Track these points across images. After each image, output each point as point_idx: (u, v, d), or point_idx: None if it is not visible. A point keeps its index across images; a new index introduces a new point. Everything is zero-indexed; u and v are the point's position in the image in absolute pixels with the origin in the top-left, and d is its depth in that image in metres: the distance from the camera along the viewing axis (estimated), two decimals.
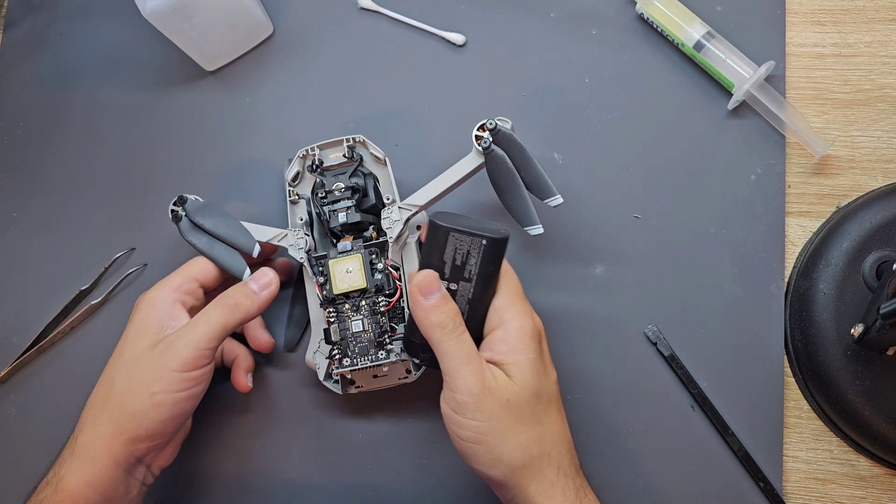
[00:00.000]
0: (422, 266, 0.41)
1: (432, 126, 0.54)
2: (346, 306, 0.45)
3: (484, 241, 0.39)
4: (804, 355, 0.47)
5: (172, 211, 0.47)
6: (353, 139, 0.48)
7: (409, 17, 0.56)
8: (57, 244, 0.55)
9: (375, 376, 0.47)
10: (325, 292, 0.46)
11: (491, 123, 0.45)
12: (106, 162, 0.56)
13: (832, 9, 0.53)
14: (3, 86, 0.59)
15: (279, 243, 0.47)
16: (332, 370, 0.46)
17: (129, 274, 0.54)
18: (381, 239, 0.46)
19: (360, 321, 0.45)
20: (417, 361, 0.45)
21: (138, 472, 0.43)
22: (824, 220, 0.50)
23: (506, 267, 0.42)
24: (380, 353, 0.45)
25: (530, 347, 0.39)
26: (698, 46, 0.51)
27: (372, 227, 0.47)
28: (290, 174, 0.48)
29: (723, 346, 0.49)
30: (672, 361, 0.48)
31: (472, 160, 0.46)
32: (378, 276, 0.45)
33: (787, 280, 0.50)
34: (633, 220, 0.51)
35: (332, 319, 0.45)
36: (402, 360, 0.45)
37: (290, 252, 0.46)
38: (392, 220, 0.46)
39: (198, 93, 0.56)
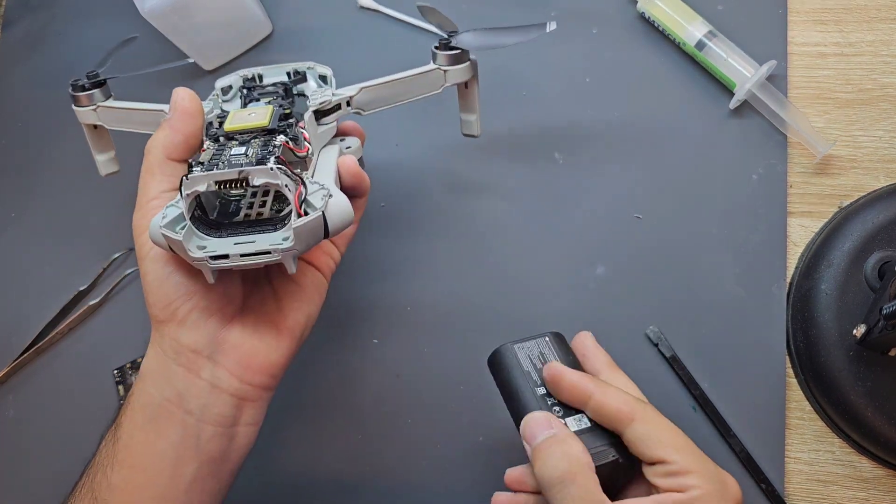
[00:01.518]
0: (513, 408, 0.36)
1: (432, 125, 0.54)
2: (233, 143, 0.35)
3: (547, 337, 0.39)
4: (806, 356, 0.47)
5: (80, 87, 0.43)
6: (301, 65, 0.44)
7: (408, 15, 0.56)
8: (55, 244, 0.55)
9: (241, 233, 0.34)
10: (212, 132, 0.37)
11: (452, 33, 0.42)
12: None
13: (834, 8, 0.53)
14: (1, 85, 0.59)
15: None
16: (185, 182, 0.33)
17: (127, 274, 0.54)
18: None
19: (244, 148, 0.34)
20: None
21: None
22: (826, 220, 0.50)
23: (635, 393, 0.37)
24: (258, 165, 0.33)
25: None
26: (700, 45, 0.51)
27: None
28: (222, 82, 0.43)
29: (724, 346, 0.48)
30: (673, 362, 0.48)
31: (428, 66, 0.43)
32: (283, 124, 0.37)
33: (788, 280, 0.49)
34: (634, 220, 0.51)
35: (205, 150, 0.35)
36: (275, 173, 0.33)
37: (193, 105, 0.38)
38: (322, 92, 0.41)
39: (196, 92, 0.56)
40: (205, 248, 0.33)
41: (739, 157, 0.51)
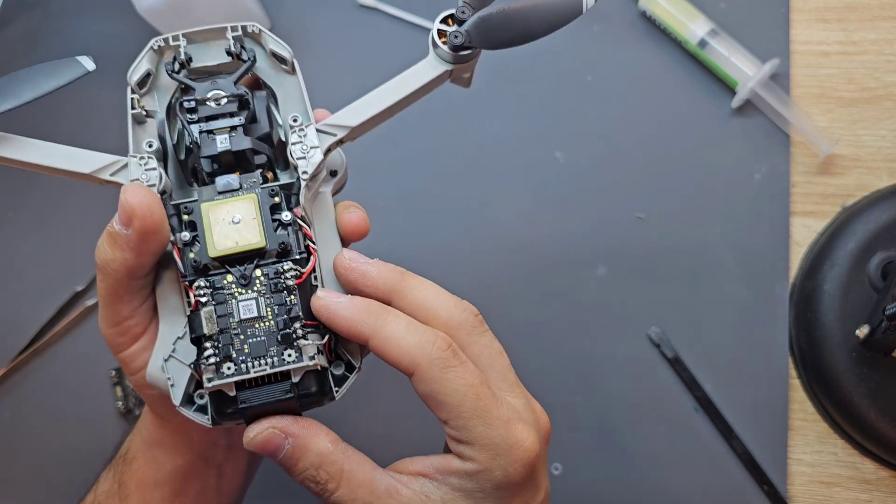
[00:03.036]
0: None
1: (432, 124, 0.54)
2: (229, 279, 0.28)
3: None
4: (809, 357, 0.47)
5: None
6: (243, 28, 0.33)
7: (408, 13, 0.55)
8: (52, 245, 0.55)
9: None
10: (192, 255, 0.29)
11: (464, 12, 0.31)
12: None
13: (837, 6, 0.52)
14: None
15: (112, 178, 0.30)
16: (205, 384, 0.27)
17: None
18: (283, 180, 0.31)
19: (254, 302, 0.28)
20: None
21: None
22: (829, 220, 0.50)
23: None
24: (286, 353, 0.28)
25: (493, 497, 0.29)
26: (702, 44, 0.51)
27: (263, 164, 0.31)
28: (135, 74, 0.31)
29: (727, 347, 0.48)
30: (675, 364, 0.48)
31: (432, 67, 0.32)
32: (282, 231, 0.29)
33: (791, 281, 0.49)
34: (636, 219, 0.51)
35: (203, 299, 0.28)
36: (322, 367, 0.29)
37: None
38: (307, 146, 0.30)
39: None
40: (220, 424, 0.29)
41: (742, 157, 0.51)
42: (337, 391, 0.29)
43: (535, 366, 0.49)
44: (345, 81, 0.55)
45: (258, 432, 0.27)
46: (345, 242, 0.32)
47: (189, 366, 0.28)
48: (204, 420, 0.29)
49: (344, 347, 0.30)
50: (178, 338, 0.29)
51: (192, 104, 0.30)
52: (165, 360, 0.29)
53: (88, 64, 0.30)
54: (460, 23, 0.31)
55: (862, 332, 0.44)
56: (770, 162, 0.50)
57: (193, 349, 0.29)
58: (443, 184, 0.53)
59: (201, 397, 0.29)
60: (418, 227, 0.52)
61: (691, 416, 0.48)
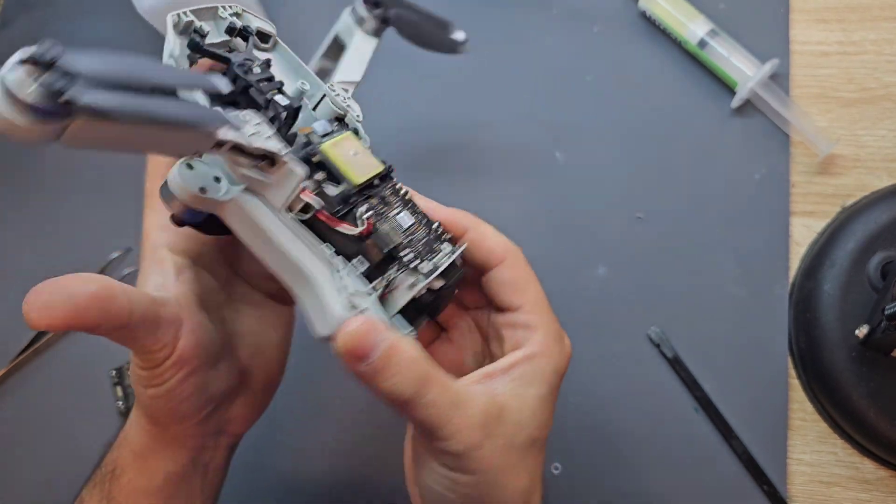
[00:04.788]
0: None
1: (432, 124, 0.54)
2: (374, 201, 0.30)
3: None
4: (808, 357, 0.47)
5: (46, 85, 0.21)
6: (229, 7, 0.33)
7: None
8: (52, 245, 0.55)
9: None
10: (338, 190, 0.29)
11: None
12: (101, 162, 0.55)
13: (837, 6, 0.53)
14: None
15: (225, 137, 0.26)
16: (408, 291, 0.29)
17: (125, 275, 0.53)
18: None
19: (404, 213, 0.31)
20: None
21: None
22: (829, 220, 0.50)
23: (521, 259, 0.34)
24: (443, 247, 0.31)
25: (549, 382, 0.32)
26: (701, 44, 0.51)
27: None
28: (175, 48, 0.30)
29: (726, 347, 0.48)
30: (675, 363, 0.48)
31: (368, 41, 0.40)
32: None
33: (791, 281, 0.49)
34: (636, 219, 0.51)
35: (374, 220, 0.29)
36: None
37: (257, 143, 0.26)
38: (343, 97, 0.34)
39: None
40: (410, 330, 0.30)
41: (741, 157, 0.51)
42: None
43: None
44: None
45: (358, 325, 0.27)
46: None
47: (372, 293, 0.28)
48: (411, 332, 0.30)
49: None
50: (340, 277, 0.28)
51: (247, 67, 0.30)
52: (352, 295, 0.28)
53: (222, 85, 0.27)
54: (374, 5, 0.39)
55: (861, 331, 0.44)
56: (770, 162, 0.50)
57: (363, 281, 0.29)
58: (443, 183, 0.53)
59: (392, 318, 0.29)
60: None
61: (691, 416, 0.48)
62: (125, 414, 0.51)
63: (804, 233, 0.50)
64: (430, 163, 0.53)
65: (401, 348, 0.27)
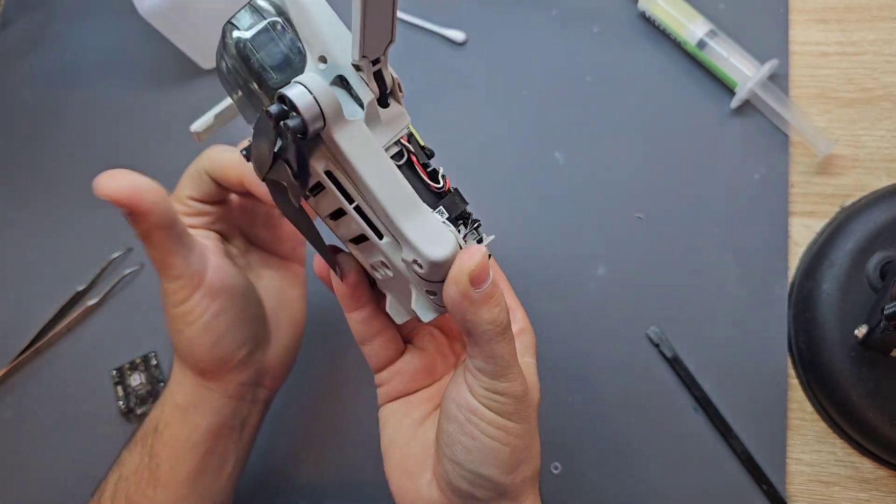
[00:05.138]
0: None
1: (432, 124, 0.54)
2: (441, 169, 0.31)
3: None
4: (808, 357, 0.47)
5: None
6: None
7: (408, 14, 0.55)
8: (53, 245, 0.55)
9: None
10: (422, 142, 0.31)
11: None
12: (102, 161, 0.55)
13: (836, 7, 0.53)
14: (0, 85, 0.58)
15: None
16: (482, 242, 0.31)
17: (125, 275, 0.53)
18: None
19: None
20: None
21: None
22: (828, 220, 0.50)
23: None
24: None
25: (535, 354, 0.37)
26: (701, 45, 0.51)
27: None
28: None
29: (726, 347, 0.48)
30: (675, 363, 0.48)
31: None
32: None
33: (790, 281, 0.49)
34: (636, 220, 0.51)
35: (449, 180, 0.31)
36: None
37: (362, 95, 0.28)
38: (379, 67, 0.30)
39: (195, 91, 0.56)
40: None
41: (741, 157, 0.51)
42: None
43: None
44: None
45: (483, 253, 0.29)
46: None
47: (469, 222, 0.31)
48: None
49: None
50: (444, 215, 0.30)
51: None
52: (455, 230, 0.29)
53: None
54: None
55: (861, 331, 0.44)
56: (769, 162, 0.51)
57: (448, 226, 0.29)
58: None
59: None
60: None
61: (690, 416, 0.48)
62: (125, 414, 0.51)
63: (803, 233, 0.50)
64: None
65: (499, 284, 0.30)
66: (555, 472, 0.47)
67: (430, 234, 0.29)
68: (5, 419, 0.52)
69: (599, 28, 0.54)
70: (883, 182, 0.50)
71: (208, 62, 0.55)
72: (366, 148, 0.28)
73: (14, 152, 0.57)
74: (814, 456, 0.47)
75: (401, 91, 0.30)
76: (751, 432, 0.47)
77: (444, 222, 0.29)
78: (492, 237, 0.32)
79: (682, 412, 0.48)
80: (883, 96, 0.51)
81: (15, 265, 0.55)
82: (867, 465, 0.47)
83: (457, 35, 0.55)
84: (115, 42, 0.58)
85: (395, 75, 0.29)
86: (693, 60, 0.52)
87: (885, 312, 0.40)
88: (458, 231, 0.30)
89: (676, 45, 0.53)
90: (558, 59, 0.54)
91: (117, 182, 0.32)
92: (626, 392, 0.48)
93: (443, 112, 0.54)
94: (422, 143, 0.31)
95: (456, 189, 0.31)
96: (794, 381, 0.48)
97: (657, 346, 0.49)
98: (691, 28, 0.51)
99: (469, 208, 0.31)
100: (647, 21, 0.53)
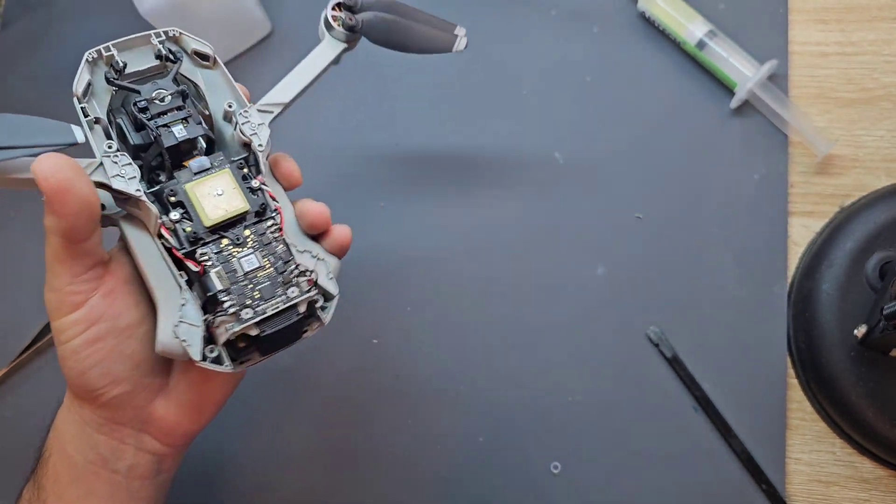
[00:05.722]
0: None
1: (432, 125, 0.54)
2: (225, 242, 0.33)
3: None
4: (807, 357, 0.47)
5: None
6: (165, 33, 0.36)
7: None
8: None
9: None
10: (188, 229, 0.32)
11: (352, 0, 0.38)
12: None
13: (835, 7, 0.53)
14: (0, 85, 0.58)
15: (93, 178, 0.32)
16: (227, 332, 0.31)
17: None
18: (239, 156, 0.35)
19: (252, 255, 0.33)
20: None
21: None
22: (827, 220, 0.50)
23: None
24: (289, 290, 0.32)
25: None
26: (700, 45, 0.51)
27: (207, 146, 0.35)
28: (80, 85, 0.35)
29: (725, 347, 0.48)
30: (674, 363, 0.48)
31: (330, 48, 0.39)
32: (253, 196, 0.34)
33: (789, 281, 0.49)
34: (635, 220, 0.51)
35: (209, 263, 0.32)
36: (315, 297, 0.33)
37: (116, 185, 0.32)
38: (254, 123, 0.35)
39: None
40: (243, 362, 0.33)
41: (740, 157, 0.51)
42: (323, 314, 0.34)
43: (534, 365, 0.49)
44: (345, 82, 0.56)
45: None
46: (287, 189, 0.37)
47: (204, 321, 0.32)
48: (226, 367, 0.32)
49: (321, 283, 0.35)
50: (182, 305, 0.32)
51: (144, 104, 0.34)
52: (176, 326, 0.32)
53: (78, 135, 0.33)
54: (348, 8, 0.39)
55: (860, 331, 0.44)
56: (768, 162, 0.51)
57: (198, 313, 0.32)
58: (442, 183, 0.53)
59: (212, 351, 0.32)
60: (418, 226, 0.53)
61: (690, 416, 0.48)
62: None
63: (803, 233, 0.50)
64: (430, 163, 0.53)
65: None
66: (554, 471, 0.48)
67: (165, 319, 0.32)
68: (5, 419, 0.52)
69: (599, 28, 0.54)
70: (882, 182, 0.50)
71: None
72: (130, 241, 0.34)
73: None
74: (813, 455, 0.47)
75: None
76: (750, 432, 0.47)
77: (176, 314, 0.32)
78: (305, 295, 0.32)
79: (682, 412, 0.48)
80: (882, 96, 0.51)
81: (15, 265, 0.55)
82: (867, 465, 0.47)
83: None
84: None
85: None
86: (693, 61, 0.53)
87: (885, 312, 0.40)
88: (210, 316, 0.32)
89: (676, 46, 0.53)
90: (558, 59, 0.54)
91: (58, 164, 0.30)
92: (625, 392, 0.48)
93: (443, 113, 0.54)
94: (206, 222, 0.33)
95: (205, 271, 0.32)
96: (793, 381, 0.48)
97: (657, 345, 0.49)
98: (691, 28, 0.51)
99: (220, 293, 0.32)
100: (647, 21, 0.53)
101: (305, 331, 0.33)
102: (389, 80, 0.55)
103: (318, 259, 0.35)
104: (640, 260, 0.50)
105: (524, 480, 0.48)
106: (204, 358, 0.32)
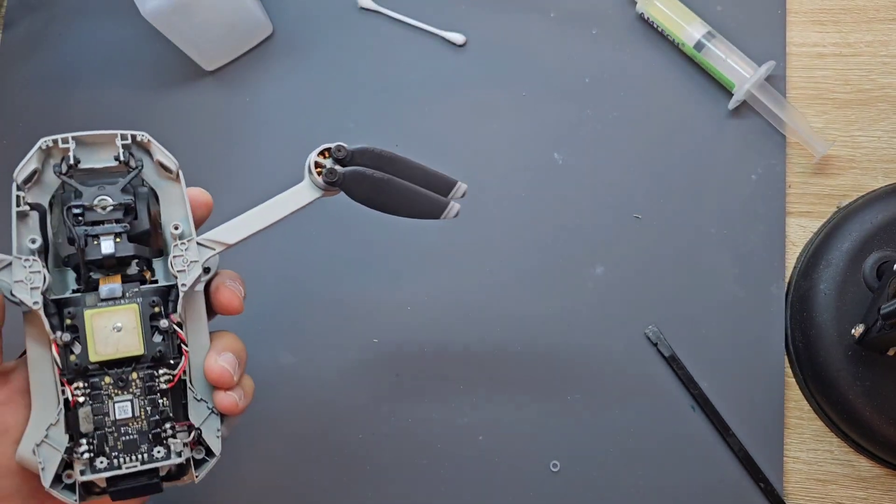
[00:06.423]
0: None
1: (432, 126, 0.54)
2: (107, 381, 0.31)
3: None
4: (805, 356, 0.47)
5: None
6: (132, 136, 0.33)
7: (409, 16, 0.56)
8: None
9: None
10: (73, 357, 0.31)
11: (339, 150, 0.35)
12: None
13: (832, 8, 0.53)
14: (2, 86, 0.59)
15: None
16: (77, 475, 0.31)
17: None
18: (160, 283, 0.33)
19: (129, 403, 0.31)
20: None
21: None
22: (825, 220, 0.50)
23: None
24: (156, 449, 0.31)
25: None
26: (699, 46, 0.51)
27: (137, 262, 0.33)
28: (22, 172, 0.33)
29: (723, 346, 0.49)
30: (672, 362, 0.48)
31: (307, 192, 0.35)
32: (159, 337, 0.32)
33: (787, 280, 0.50)
34: (634, 220, 0.51)
35: (81, 399, 0.31)
36: (186, 461, 0.32)
37: (16, 292, 0.31)
38: (187, 260, 0.32)
39: (197, 93, 0.56)
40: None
41: (738, 158, 0.51)
42: (197, 475, 0.32)
43: (533, 364, 0.49)
44: (345, 83, 0.56)
45: None
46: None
47: (63, 454, 0.30)
48: (72, 499, 0.31)
49: (206, 438, 0.33)
50: (52, 424, 0.31)
51: (80, 210, 0.32)
52: (38, 445, 0.30)
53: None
54: (335, 159, 0.35)
55: (857, 331, 0.44)
56: (766, 163, 0.51)
57: (65, 435, 0.31)
58: None
59: (69, 477, 0.31)
60: (417, 227, 0.53)
61: (688, 414, 0.48)
62: None
63: (800, 233, 0.50)
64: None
65: None
66: (553, 469, 0.48)
67: (32, 432, 0.31)
68: None
69: (598, 30, 0.54)
70: (879, 182, 0.50)
71: (211, 64, 0.56)
72: (38, 341, 0.32)
73: (17, 153, 0.57)
74: (811, 454, 0.48)
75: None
76: (748, 431, 0.47)
77: (49, 428, 0.31)
78: (167, 462, 0.32)
79: (680, 411, 0.48)
80: (879, 97, 0.51)
81: None
82: (864, 464, 0.47)
83: (457, 38, 0.55)
84: (118, 43, 0.58)
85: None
86: (691, 62, 0.53)
87: (882, 312, 0.40)
88: (68, 449, 0.31)
89: (674, 47, 0.53)
90: (557, 60, 0.54)
91: None
92: (623, 391, 0.49)
93: (442, 114, 0.54)
94: (92, 357, 0.31)
95: (76, 407, 0.31)
96: (791, 380, 0.49)
97: (655, 345, 0.49)
98: (689, 30, 0.51)
99: (80, 436, 0.31)
100: (645, 23, 0.54)
101: (172, 480, 0.32)
102: (390, 81, 0.55)
103: (213, 413, 0.33)
104: (638, 259, 0.50)
105: (523, 479, 0.48)
106: (59, 480, 0.31)
